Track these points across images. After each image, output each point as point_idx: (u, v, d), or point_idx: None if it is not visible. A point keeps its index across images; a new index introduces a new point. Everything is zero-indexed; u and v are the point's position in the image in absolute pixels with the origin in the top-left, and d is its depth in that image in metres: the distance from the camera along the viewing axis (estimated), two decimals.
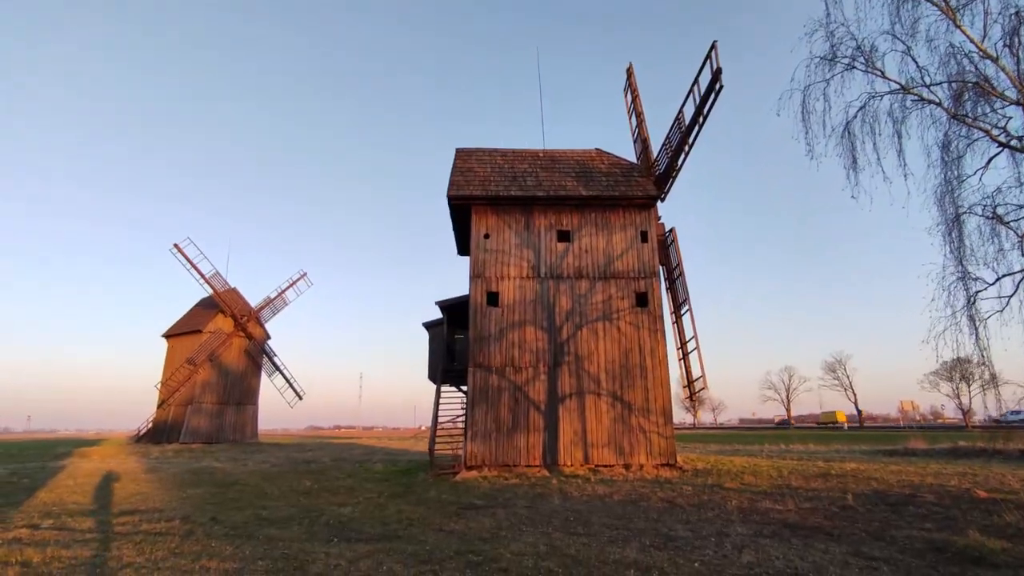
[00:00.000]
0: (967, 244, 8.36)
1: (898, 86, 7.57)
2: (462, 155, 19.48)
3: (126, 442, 37.89)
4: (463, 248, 20.70)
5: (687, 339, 17.16)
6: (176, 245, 34.77)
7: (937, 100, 7.53)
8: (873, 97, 7.63)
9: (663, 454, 15.39)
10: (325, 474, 16.39)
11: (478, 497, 10.71)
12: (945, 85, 7.75)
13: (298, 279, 41.27)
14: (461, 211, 17.80)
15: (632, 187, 17.68)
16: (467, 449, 15.16)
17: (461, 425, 17.55)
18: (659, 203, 18.18)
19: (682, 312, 17.57)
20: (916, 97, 7.56)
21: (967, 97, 7.77)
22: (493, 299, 16.63)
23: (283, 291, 40.75)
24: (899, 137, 7.66)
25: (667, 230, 18.73)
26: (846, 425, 68.35)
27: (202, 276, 35.68)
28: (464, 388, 18.00)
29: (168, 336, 39.52)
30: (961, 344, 8.70)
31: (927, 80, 7.74)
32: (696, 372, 16.73)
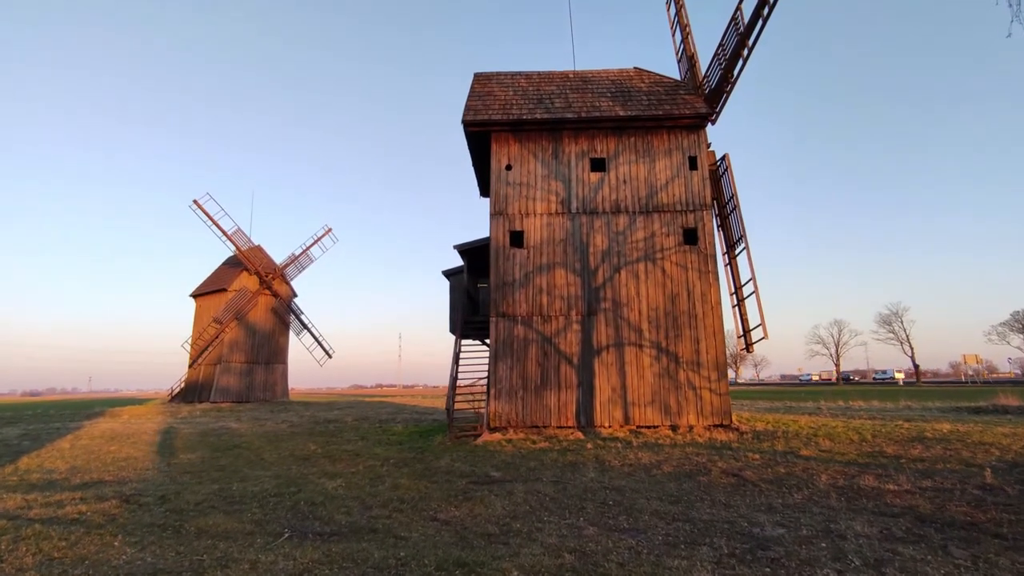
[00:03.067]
0: None
1: None
2: (481, 79, 17.08)
3: (161, 402, 38.04)
4: (485, 187, 18.52)
5: (743, 283, 14.76)
6: (195, 201, 33.65)
7: None
8: None
9: (716, 413, 13.29)
10: (338, 436, 14.98)
11: (497, 466, 8.90)
12: None
13: (323, 235, 39.90)
14: (479, 140, 15.53)
15: (678, 105, 15.02)
16: (490, 408, 13.39)
17: (484, 383, 15.78)
18: (709, 126, 15.53)
19: (737, 252, 15.10)
20: None
21: None
22: (517, 239, 14.50)
23: (308, 247, 39.52)
24: None
25: (719, 158, 16.06)
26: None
27: (223, 233, 34.64)
28: (488, 341, 16.17)
29: (196, 296, 39.03)
30: None
31: None
32: (754, 320, 14.40)
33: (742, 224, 14.97)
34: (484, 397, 14.43)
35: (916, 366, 65.31)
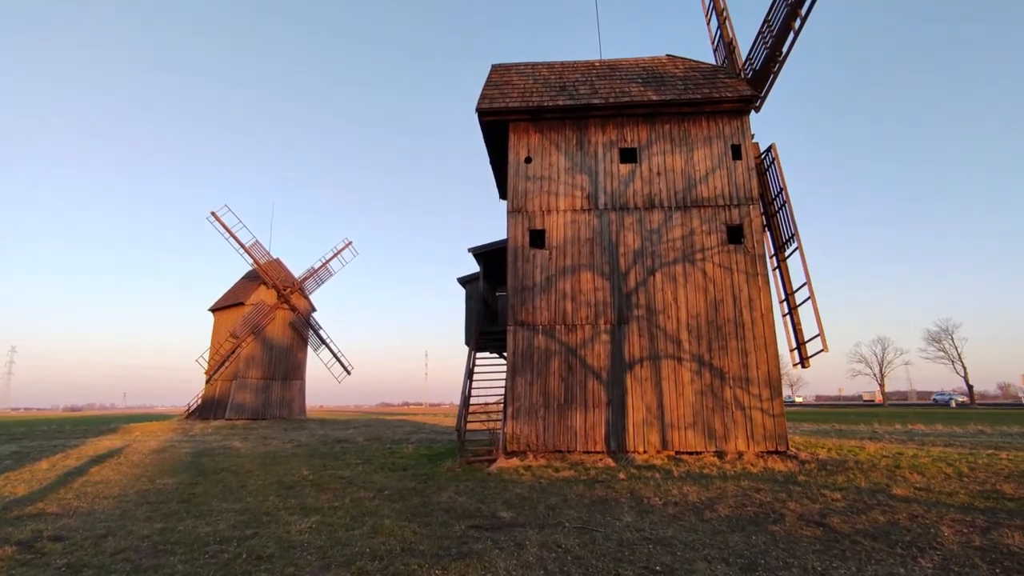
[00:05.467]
0: None
1: None
2: (499, 70, 15.76)
3: (178, 419, 37.28)
4: (504, 188, 17.08)
5: (794, 288, 12.94)
6: (213, 213, 33.09)
7: None
8: None
9: (769, 438, 11.41)
10: (339, 458, 13.52)
11: (509, 502, 7.25)
12: None
13: (343, 248, 39.04)
14: (496, 133, 14.13)
15: (719, 88, 13.40)
16: (506, 430, 11.75)
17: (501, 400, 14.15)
18: (752, 115, 13.85)
19: (787, 253, 13.30)
20: None
21: None
22: (538, 239, 12.97)
23: (327, 261, 38.64)
24: None
25: (763, 149, 14.32)
26: None
27: (241, 246, 33.92)
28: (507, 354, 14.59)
29: (214, 310, 38.41)
30: None
31: None
32: (809, 331, 12.55)
33: (793, 221, 13.16)
34: (500, 416, 12.84)
35: (970, 387, 61.04)
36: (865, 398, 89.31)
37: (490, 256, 14.93)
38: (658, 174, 12.97)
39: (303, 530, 5.84)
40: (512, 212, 13.05)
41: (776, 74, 13.16)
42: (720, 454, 11.27)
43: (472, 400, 13.05)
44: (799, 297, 12.75)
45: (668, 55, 15.97)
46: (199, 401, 36.49)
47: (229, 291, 39.25)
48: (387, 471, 11.04)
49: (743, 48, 14.63)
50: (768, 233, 13.68)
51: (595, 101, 13.19)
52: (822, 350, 12.26)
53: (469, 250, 14.79)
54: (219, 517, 6.78)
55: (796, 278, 13.02)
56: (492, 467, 10.56)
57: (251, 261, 34.72)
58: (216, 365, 34.00)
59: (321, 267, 38.60)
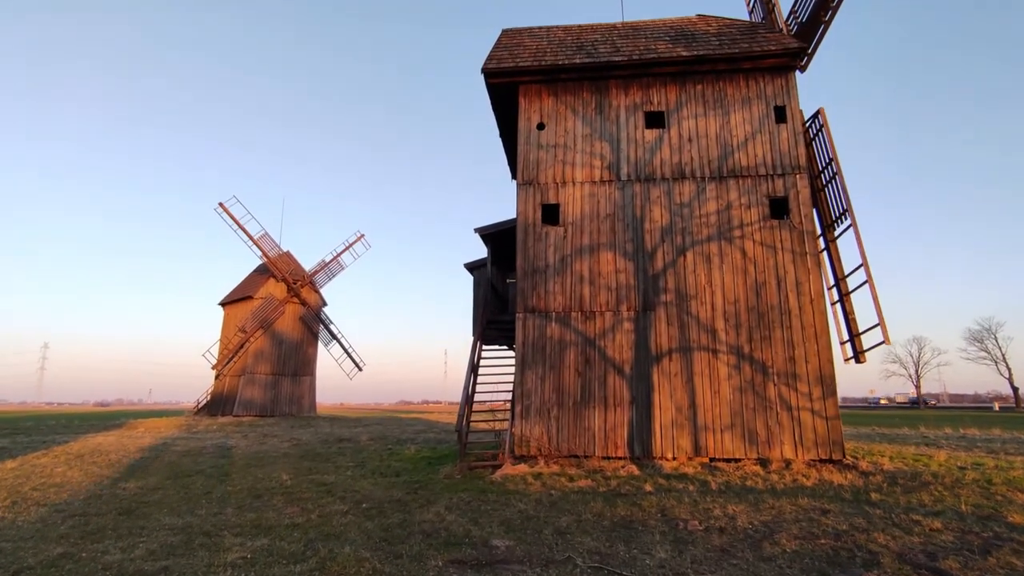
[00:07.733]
0: None
1: None
2: (509, 34, 14.27)
3: (187, 415, 36.59)
4: (516, 161, 15.59)
5: (846, 272, 11.23)
6: (221, 204, 32.14)
7: None
8: None
9: (822, 444, 9.74)
10: (331, 460, 12.24)
11: (508, 524, 5.77)
12: None
13: (355, 241, 37.86)
14: (505, 97, 12.64)
15: (759, 42, 11.72)
16: (515, 431, 10.27)
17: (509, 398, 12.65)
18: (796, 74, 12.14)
19: (838, 232, 11.58)
20: None
21: None
22: (551, 214, 11.45)
23: (339, 254, 37.50)
24: None
25: (809, 116, 12.58)
26: None
27: (250, 237, 32.95)
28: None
29: (224, 304, 37.61)
30: None
31: None
32: (864, 320, 10.81)
33: (846, 196, 11.42)
34: (507, 416, 11.35)
35: (1015, 389, 57.70)
36: (899, 400, 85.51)
37: (499, 238, 13.44)
38: (689, 140, 11.34)
39: (232, 563, 4.45)
40: (522, 185, 11.56)
41: (827, 25, 11.45)
42: (763, 462, 9.65)
43: (477, 397, 11.60)
44: (852, 283, 11.06)
45: (699, 15, 14.31)
46: (208, 397, 35.72)
47: (239, 285, 38.43)
48: (377, 477, 9.66)
49: (783, 9, 12.93)
50: (815, 211, 11.98)
51: (617, 59, 11.61)
52: (882, 342, 10.50)
53: (476, 230, 13.31)
54: (146, 537, 5.44)
55: (848, 262, 11.38)
56: (496, 474, 9.09)
57: (260, 253, 33.76)
58: (224, 360, 33.12)
59: (332, 260, 37.52)
